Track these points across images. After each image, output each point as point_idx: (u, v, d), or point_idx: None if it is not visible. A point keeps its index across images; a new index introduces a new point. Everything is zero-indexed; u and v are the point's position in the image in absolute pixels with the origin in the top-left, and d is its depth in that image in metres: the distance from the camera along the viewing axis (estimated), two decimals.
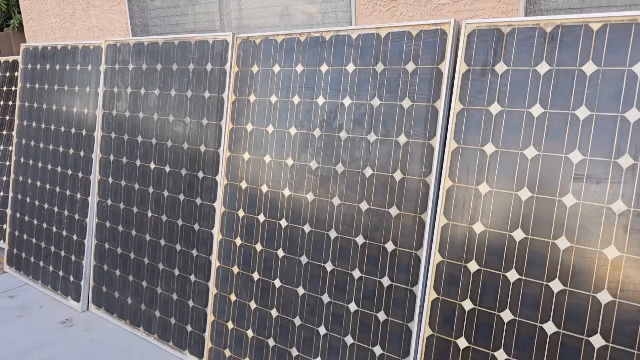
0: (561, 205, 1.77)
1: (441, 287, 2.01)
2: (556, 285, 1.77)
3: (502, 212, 1.88)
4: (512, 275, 1.86)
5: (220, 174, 2.74)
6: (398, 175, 2.12)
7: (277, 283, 2.48)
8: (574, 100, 1.76)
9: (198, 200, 2.85)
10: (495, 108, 1.91)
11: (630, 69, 1.67)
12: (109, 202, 3.34)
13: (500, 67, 1.90)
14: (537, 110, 1.82)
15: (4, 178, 4.67)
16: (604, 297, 1.69)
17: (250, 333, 2.59)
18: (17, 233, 4.02)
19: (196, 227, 2.86)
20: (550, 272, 1.78)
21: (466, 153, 1.96)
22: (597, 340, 1.70)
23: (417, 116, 2.08)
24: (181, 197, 2.93)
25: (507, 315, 1.86)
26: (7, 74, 4.88)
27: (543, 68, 1.81)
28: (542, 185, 1.81)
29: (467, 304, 1.95)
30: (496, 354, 1.88)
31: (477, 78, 1.95)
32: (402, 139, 2.11)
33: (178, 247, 2.95)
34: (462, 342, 1.96)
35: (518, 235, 1.85)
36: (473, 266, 1.94)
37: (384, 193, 2.15)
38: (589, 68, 1.73)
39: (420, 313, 2.07)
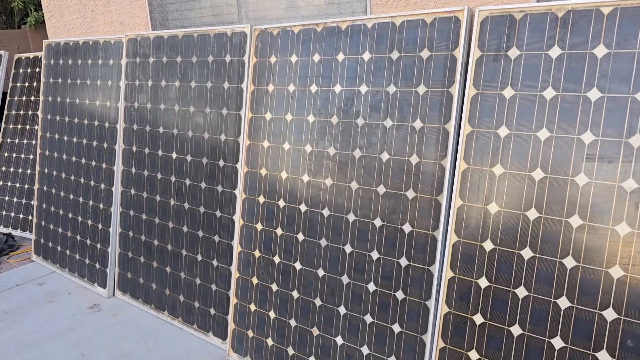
0: (574, 184, 1.83)
1: (457, 266, 2.08)
2: (569, 262, 1.84)
3: (516, 192, 1.95)
4: (527, 253, 1.92)
5: (240, 161, 2.83)
6: (414, 159, 2.19)
7: (298, 265, 2.57)
8: (585, 83, 1.81)
9: (219, 188, 2.95)
10: (508, 92, 1.97)
11: None
12: (133, 191, 3.46)
13: (513, 52, 1.96)
14: (549, 93, 1.88)
15: (28, 171, 4.82)
16: (616, 272, 1.76)
17: (272, 314, 2.69)
18: (43, 223, 4.15)
19: (218, 213, 2.96)
20: (564, 249, 1.85)
21: (480, 136, 2.03)
22: (609, 314, 1.77)
23: (432, 101, 2.15)
24: (203, 185, 3.03)
25: (521, 292, 1.93)
26: (29, 70, 5.01)
27: (555, 52, 1.87)
28: (554, 166, 1.87)
29: (483, 282, 2.02)
30: (511, 329, 1.96)
31: (490, 63, 2.01)
32: (418, 124, 2.18)
33: (200, 233, 3.06)
34: (478, 318, 2.03)
35: (532, 214, 1.91)
36: (488, 245, 2.01)
37: (401, 176, 2.23)
38: (600, 51, 1.79)
39: (438, 291, 2.15)
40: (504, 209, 1.97)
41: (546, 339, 1.88)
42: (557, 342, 1.86)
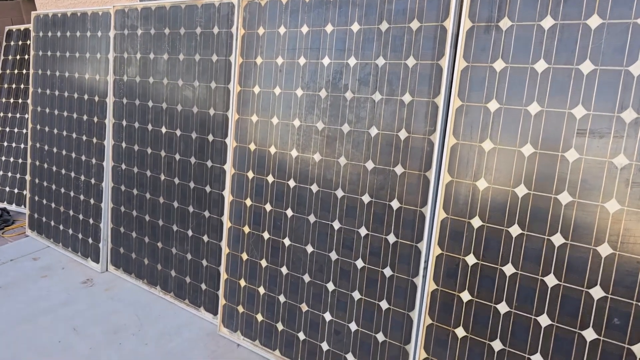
0: (564, 160, 1.78)
1: (445, 243, 2.05)
2: (558, 239, 1.81)
3: (506, 168, 1.90)
4: (515, 230, 1.89)
5: (229, 136, 2.78)
6: (403, 134, 2.14)
7: (287, 242, 2.55)
8: (578, 55, 1.75)
9: (209, 163, 2.91)
10: (499, 64, 1.90)
11: (636, 21, 1.65)
12: (123, 166, 3.42)
13: (505, 23, 1.88)
14: (541, 65, 1.82)
15: (22, 145, 4.79)
16: (605, 250, 1.72)
17: (261, 290, 2.68)
18: (37, 198, 4.14)
19: (207, 189, 2.93)
20: (552, 226, 1.81)
21: (470, 110, 1.97)
22: (596, 292, 1.74)
23: (422, 74, 2.08)
24: (192, 160, 2.99)
25: (509, 269, 1.91)
26: (20, 43, 4.93)
27: (548, 23, 1.80)
28: (545, 141, 1.82)
29: (471, 259, 1.99)
30: (498, 306, 1.94)
31: (481, 35, 1.94)
32: (407, 98, 2.12)
33: (191, 208, 3.03)
34: (465, 295, 2.01)
35: (521, 191, 1.87)
36: (476, 222, 1.98)
37: (389, 152, 2.18)
38: (594, 21, 1.72)
39: (425, 268, 2.12)
40: (493, 185, 1.93)
41: (533, 317, 1.86)
42: (544, 320, 1.84)
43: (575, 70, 1.75)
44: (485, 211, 1.95)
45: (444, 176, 2.04)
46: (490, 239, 1.95)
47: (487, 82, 1.93)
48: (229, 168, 2.78)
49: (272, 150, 2.58)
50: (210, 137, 2.89)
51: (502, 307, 1.93)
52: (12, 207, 4.77)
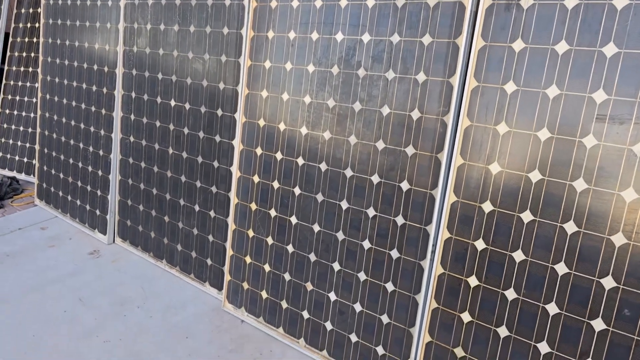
0: (581, 146, 1.73)
1: (454, 227, 2.02)
2: (570, 227, 1.76)
3: (520, 152, 1.85)
4: (527, 217, 1.85)
5: (238, 111, 2.74)
6: (415, 114, 2.09)
7: (294, 220, 2.53)
8: (601, 37, 1.68)
9: (217, 138, 2.87)
10: (518, 45, 1.84)
11: None
12: (132, 138, 3.40)
13: (526, 1, 1.81)
14: (562, 47, 1.75)
15: (32, 114, 4.77)
16: (619, 239, 1.68)
17: (267, 267, 2.66)
18: (45, 168, 4.14)
19: (215, 164, 2.90)
20: (566, 213, 1.77)
21: (486, 92, 1.91)
22: (608, 282, 1.70)
23: (438, 53, 2.02)
24: (201, 134, 2.96)
25: (519, 256, 1.87)
26: (30, 10, 4.88)
27: (571, 2, 1.72)
28: (562, 126, 1.76)
29: (480, 244, 1.96)
30: (506, 292, 1.90)
31: (501, 13, 1.87)
32: (421, 77, 2.07)
33: (198, 183, 3.01)
34: (472, 281, 1.98)
35: (535, 176, 1.82)
36: (487, 207, 1.93)
37: (401, 132, 2.13)
38: (621, 1, 1.64)
39: (433, 252, 2.09)
40: (506, 169, 1.88)
41: (541, 305, 1.83)
42: (552, 308, 1.81)
43: (598, 53, 1.68)
44: (497, 196, 1.91)
45: (456, 159, 1.99)
46: (500, 224, 1.91)
47: (505, 63, 1.86)
48: (237, 143, 2.75)
49: (282, 126, 2.53)
50: (220, 112, 2.85)
51: (510, 294, 1.90)
52: (22, 176, 4.78)
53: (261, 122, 2.62)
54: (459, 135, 1.98)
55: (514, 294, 1.89)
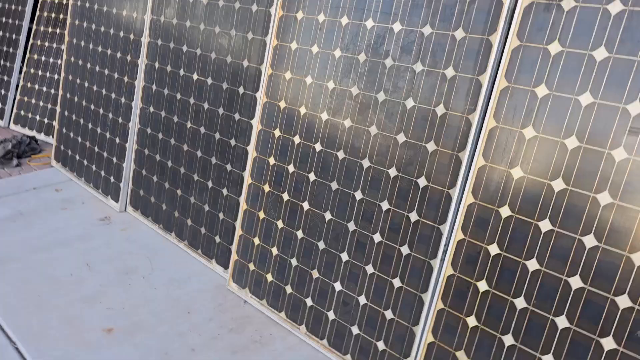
0: (609, 158, 1.66)
1: (469, 229, 1.97)
2: (590, 241, 1.70)
3: (545, 159, 1.79)
4: (545, 225, 1.79)
5: (260, 91, 2.70)
6: (440, 110, 2.03)
7: (306, 206, 2.49)
8: None
9: (236, 116, 2.84)
10: (555, 47, 1.77)
11: None
12: (151, 109, 3.38)
13: (568, 3, 1.74)
14: (600, 53, 1.68)
15: (55, 76, 4.79)
16: (639, 258, 1.62)
17: (275, 251, 2.64)
18: (64, 130, 4.15)
19: (232, 142, 2.87)
20: (586, 226, 1.71)
21: (516, 93, 1.85)
22: (623, 301, 1.64)
23: (469, 49, 1.96)
24: (220, 111, 2.93)
25: (532, 265, 1.82)
26: None
27: (616, 7, 1.65)
28: (592, 135, 1.69)
29: (494, 249, 1.91)
30: (516, 300, 1.86)
31: (540, 12, 1.80)
32: (450, 72, 2.00)
33: (213, 160, 2.99)
34: (482, 285, 1.94)
35: (558, 185, 1.76)
36: (505, 211, 1.88)
37: (424, 127, 2.08)
38: None
39: (445, 252, 2.05)
40: (529, 175, 1.82)
41: (550, 317, 1.78)
42: (562, 322, 1.76)
43: (638, 63, 1.61)
44: (516, 201, 1.85)
45: (478, 159, 1.94)
46: (517, 230, 1.85)
47: (539, 65, 1.80)
48: (256, 123, 2.71)
49: (302, 110, 2.49)
50: (241, 90, 2.81)
51: (520, 302, 1.85)
52: (41, 137, 4.82)
53: (282, 104, 2.58)
54: (483, 136, 1.92)
55: (523, 303, 1.84)
